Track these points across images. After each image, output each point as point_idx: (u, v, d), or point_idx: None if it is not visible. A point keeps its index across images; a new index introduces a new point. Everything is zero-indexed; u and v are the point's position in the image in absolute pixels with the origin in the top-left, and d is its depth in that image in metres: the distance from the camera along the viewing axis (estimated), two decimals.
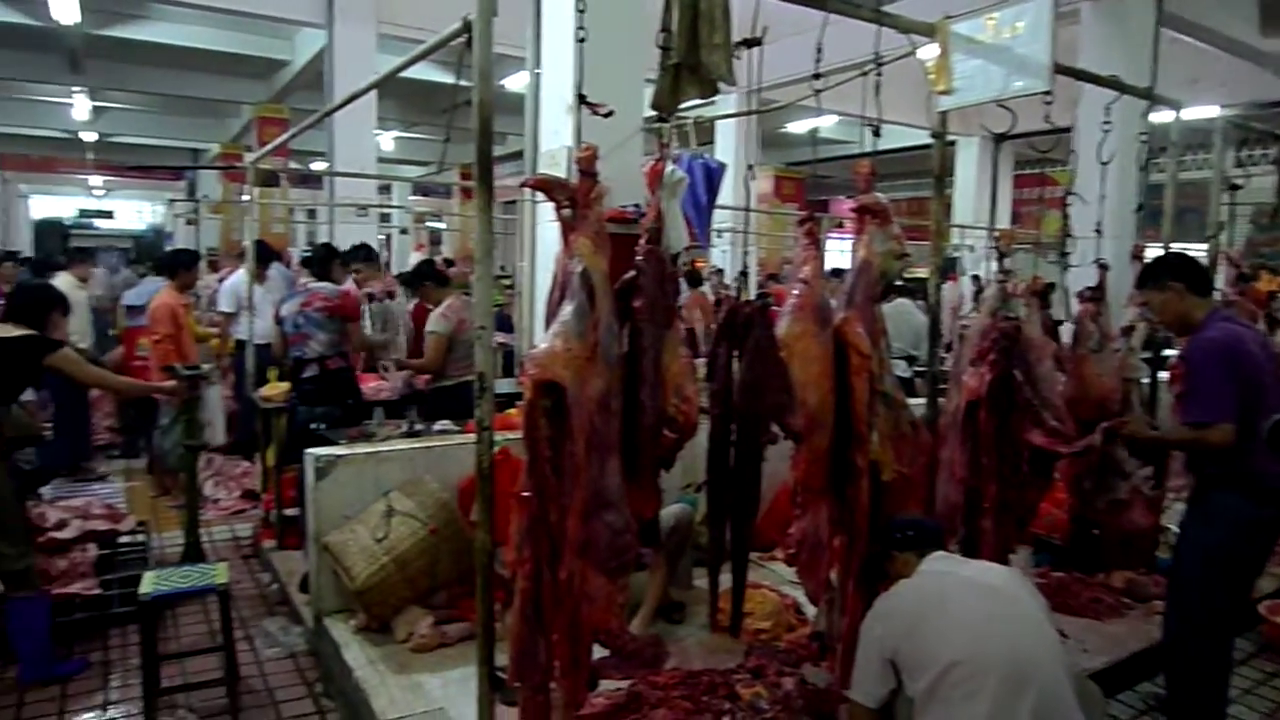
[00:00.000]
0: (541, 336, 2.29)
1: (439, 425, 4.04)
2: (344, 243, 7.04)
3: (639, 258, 2.48)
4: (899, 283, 6.48)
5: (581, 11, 2.45)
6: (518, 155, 10.61)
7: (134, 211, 24.23)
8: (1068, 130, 5.39)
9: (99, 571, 4.08)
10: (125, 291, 7.46)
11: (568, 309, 2.26)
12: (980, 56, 3.18)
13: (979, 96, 3.20)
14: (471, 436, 3.90)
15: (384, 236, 12.89)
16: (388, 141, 15.51)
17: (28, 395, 3.86)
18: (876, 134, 2.98)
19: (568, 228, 2.38)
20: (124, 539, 4.50)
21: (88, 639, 3.88)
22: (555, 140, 5.01)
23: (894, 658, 2.32)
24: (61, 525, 4.10)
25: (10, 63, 11.96)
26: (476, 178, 2.12)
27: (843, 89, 3.40)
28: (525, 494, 2.28)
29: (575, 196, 2.34)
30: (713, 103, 3.35)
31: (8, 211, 21.66)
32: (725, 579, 2.91)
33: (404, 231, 13.61)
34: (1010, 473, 3.20)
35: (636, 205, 4.77)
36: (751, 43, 2.85)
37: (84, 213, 23.02)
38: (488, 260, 2.17)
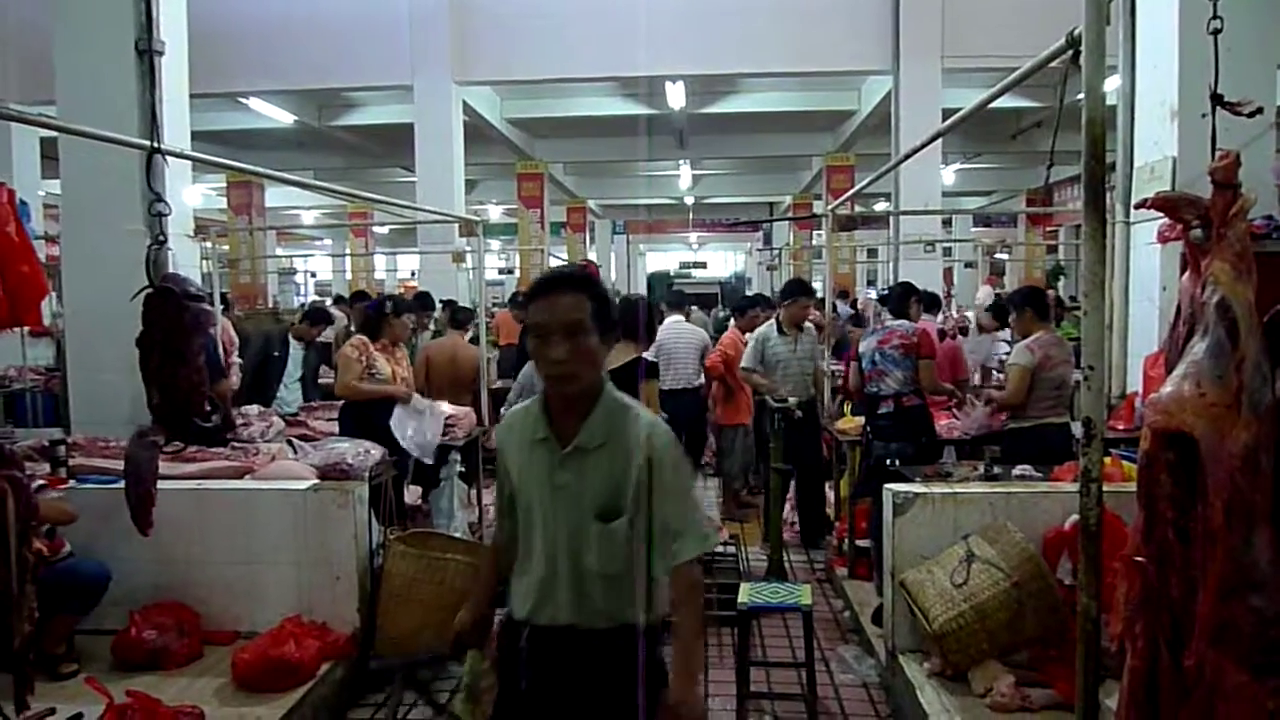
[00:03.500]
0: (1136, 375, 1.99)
1: (1018, 470, 3.78)
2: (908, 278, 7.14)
3: None
4: None
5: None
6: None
7: (720, 261, 28.11)
8: None
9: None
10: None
11: (1200, 346, 1.92)
12: None
13: None
14: (1059, 485, 3.61)
15: (945, 269, 12.72)
16: (948, 175, 15.36)
17: None
18: None
19: (1197, 251, 2.04)
20: (718, 549, 5.09)
21: None
22: (1155, 151, 4.42)
23: None
24: None
25: (636, 147, 14.80)
26: (1086, 203, 1.93)
27: None
28: (1139, 559, 2.01)
29: (1208, 214, 2.00)
30: None
31: (630, 265, 26.96)
32: None
33: (968, 265, 13.26)
34: None
35: (1269, 217, 3.96)
36: None
37: (683, 264, 27.62)
38: (1098, 293, 1.96)
